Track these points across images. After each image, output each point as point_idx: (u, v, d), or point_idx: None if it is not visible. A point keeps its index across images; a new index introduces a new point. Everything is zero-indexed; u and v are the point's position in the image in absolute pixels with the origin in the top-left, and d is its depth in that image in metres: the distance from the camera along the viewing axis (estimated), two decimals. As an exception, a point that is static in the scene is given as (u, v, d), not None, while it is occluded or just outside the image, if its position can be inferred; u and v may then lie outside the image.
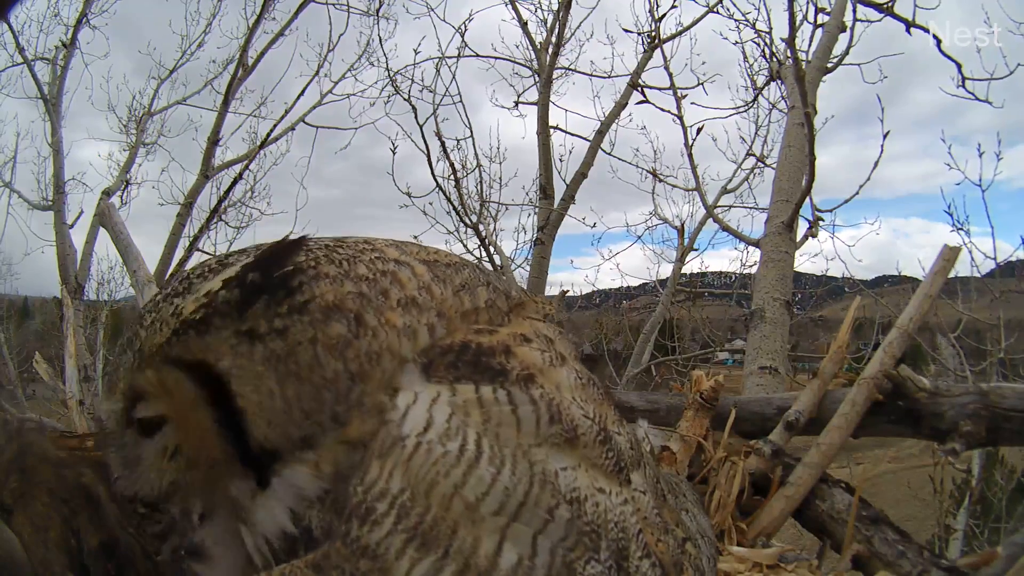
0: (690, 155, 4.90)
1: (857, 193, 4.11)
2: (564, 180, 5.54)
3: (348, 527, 0.63)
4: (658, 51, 5.40)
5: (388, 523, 0.63)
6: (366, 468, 0.65)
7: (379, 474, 0.64)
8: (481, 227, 5.67)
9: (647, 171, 6.18)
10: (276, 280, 0.68)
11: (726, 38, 5.54)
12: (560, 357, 0.79)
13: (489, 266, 5.35)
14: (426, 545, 0.62)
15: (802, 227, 3.51)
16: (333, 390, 0.67)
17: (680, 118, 5.06)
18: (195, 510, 0.75)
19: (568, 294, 5.11)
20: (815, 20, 3.95)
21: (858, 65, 4.39)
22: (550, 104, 5.48)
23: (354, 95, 7.30)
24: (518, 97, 5.89)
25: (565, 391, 0.76)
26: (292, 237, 0.73)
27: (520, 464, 0.67)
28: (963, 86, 4.23)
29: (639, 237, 6.80)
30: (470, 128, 5.72)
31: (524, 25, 5.78)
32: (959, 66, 4.18)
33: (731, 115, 5.85)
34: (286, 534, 0.68)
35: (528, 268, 5.47)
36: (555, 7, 5.74)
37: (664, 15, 5.46)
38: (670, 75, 5.18)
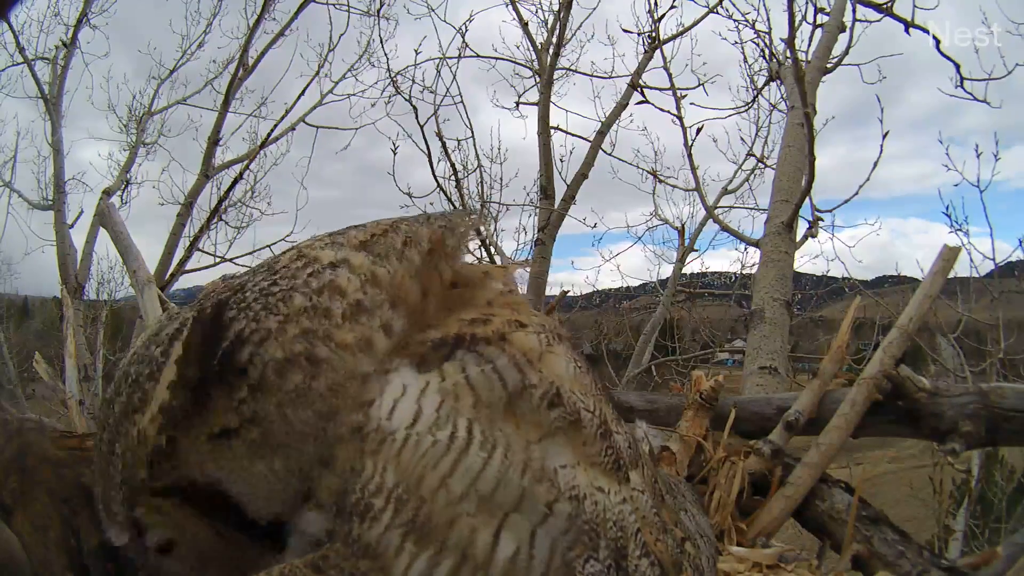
0: (690, 156, 4.91)
1: (856, 193, 4.11)
2: (565, 180, 5.54)
3: (349, 526, 0.64)
4: (658, 52, 5.40)
5: (386, 518, 0.63)
6: (362, 465, 0.65)
7: (374, 471, 0.65)
8: (482, 227, 5.66)
9: (647, 172, 6.19)
10: (222, 366, 0.65)
11: (726, 39, 5.56)
12: (557, 339, 0.79)
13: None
14: (423, 539, 0.63)
15: (802, 227, 3.51)
16: (311, 438, 0.67)
17: (680, 118, 5.06)
18: None
19: (568, 294, 5.11)
20: (815, 20, 3.96)
21: (857, 66, 4.39)
22: (551, 105, 5.48)
23: (354, 95, 7.31)
24: (519, 98, 5.89)
25: (565, 380, 0.75)
26: (214, 298, 0.69)
27: (515, 450, 0.67)
28: (961, 86, 4.23)
29: (639, 238, 6.81)
30: (471, 128, 5.73)
31: (525, 26, 5.78)
32: (958, 66, 4.18)
33: (731, 115, 5.86)
34: None
35: (529, 268, 5.47)
36: (556, 8, 5.75)
37: (664, 16, 5.47)
38: (670, 76, 5.18)
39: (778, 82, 4.84)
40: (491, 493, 0.65)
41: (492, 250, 5.61)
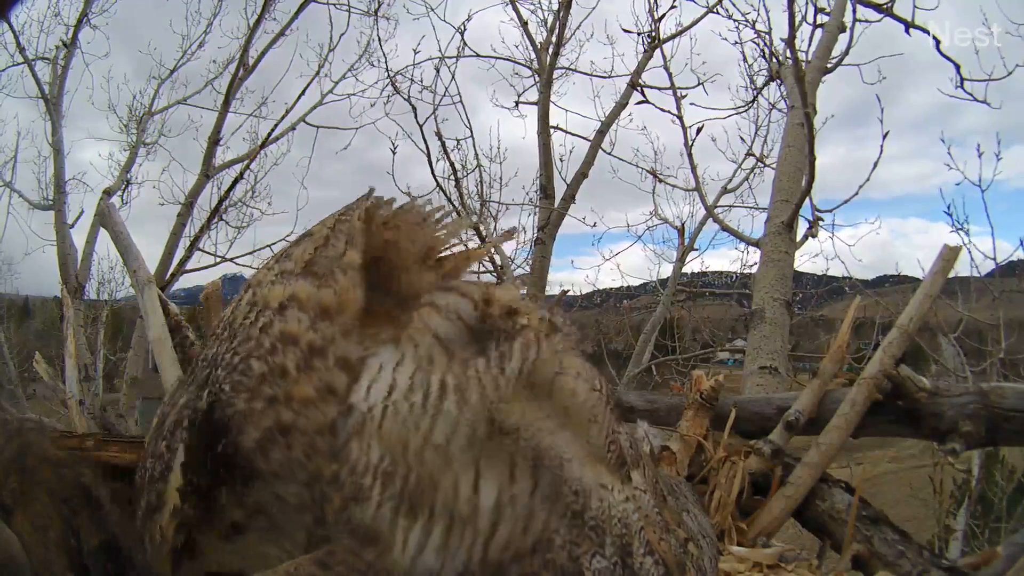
0: (690, 155, 4.91)
1: (856, 193, 4.12)
2: (564, 180, 5.54)
3: (348, 512, 0.65)
4: (658, 51, 5.41)
5: (375, 495, 0.65)
6: (348, 452, 0.66)
7: (359, 451, 0.66)
8: (481, 227, 5.67)
9: (647, 171, 6.18)
10: (218, 466, 0.69)
11: (726, 38, 5.55)
12: (536, 299, 0.82)
13: (490, 266, 5.35)
14: (413, 509, 0.64)
15: (802, 227, 3.51)
16: (306, 509, 0.70)
17: (680, 118, 5.07)
18: None
19: (568, 294, 5.11)
20: (815, 20, 3.96)
21: (857, 66, 4.39)
22: (550, 104, 5.48)
23: (354, 95, 7.30)
24: (518, 97, 5.89)
25: (519, 302, 0.78)
26: (205, 404, 0.71)
27: (488, 387, 0.69)
28: (962, 87, 4.23)
29: (639, 237, 6.80)
30: (470, 128, 5.73)
31: (524, 25, 5.78)
32: (958, 67, 4.18)
33: (731, 115, 5.85)
34: None
35: (529, 268, 5.47)
36: (555, 7, 5.74)
37: (664, 15, 5.47)
38: (670, 75, 5.19)
39: (778, 82, 4.84)
40: (468, 438, 0.67)
41: (492, 250, 5.60)
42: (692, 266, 7.18)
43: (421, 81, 5.65)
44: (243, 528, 0.69)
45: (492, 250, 5.54)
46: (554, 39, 5.65)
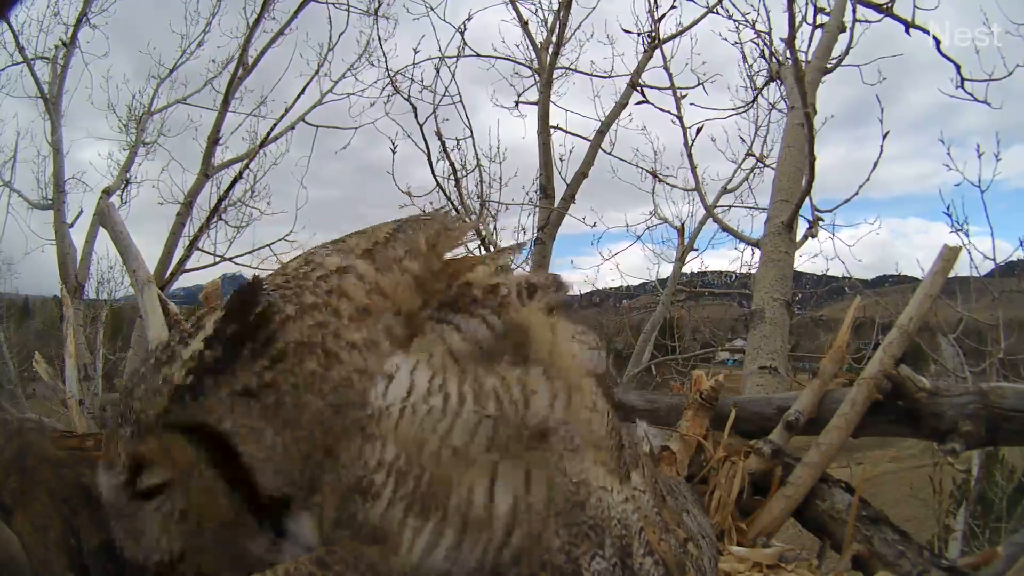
0: (690, 155, 4.92)
1: (856, 193, 4.12)
2: (564, 180, 5.53)
3: (354, 509, 0.65)
4: (658, 51, 5.41)
5: (387, 493, 0.64)
6: (361, 448, 0.66)
7: (373, 448, 0.66)
8: (481, 227, 5.66)
9: (647, 171, 6.18)
10: (252, 329, 0.68)
11: (725, 39, 5.54)
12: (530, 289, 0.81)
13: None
14: (425, 510, 0.64)
15: (802, 227, 3.51)
16: (321, 426, 0.68)
17: (680, 118, 5.07)
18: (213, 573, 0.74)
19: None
20: (815, 20, 3.96)
21: (857, 66, 4.39)
22: (550, 104, 5.48)
23: (354, 95, 7.30)
24: (518, 97, 5.88)
25: (524, 277, 0.80)
26: (248, 281, 0.72)
27: (501, 392, 0.69)
28: (962, 87, 4.23)
29: (639, 237, 6.80)
30: (470, 128, 5.72)
31: (524, 25, 5.77)
32: (958, 67, 4.18)
33: (731, 115, 5.85)
34: None
35: (528, 268, 5.47)
36: (555, 7, 5.74)
37: (664, 15, 5.47)
38: (670, 75, 5.19)
39: (778, 82, 4.84)
40: (487, 446, 0.67)
41: (492, 249, 5.61)
42: (692, 266, 7.19)
43: (422, 81, 5.65)
44: (251, 395, 0.67)
45: (492, 249, 5.56)
46: (554, 39, 5.65)
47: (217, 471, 0.68)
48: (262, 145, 7.35)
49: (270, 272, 0.79)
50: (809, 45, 3.95)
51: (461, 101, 5.60)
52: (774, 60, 4.77)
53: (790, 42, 3.03)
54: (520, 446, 0.68)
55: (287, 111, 7.38)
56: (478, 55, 5.96)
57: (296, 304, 0.71)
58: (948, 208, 4.99)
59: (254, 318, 0.68)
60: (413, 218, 0.87)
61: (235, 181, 7.25)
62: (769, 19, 4.89)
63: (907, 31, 3.96)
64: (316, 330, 0.70)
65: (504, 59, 5.99)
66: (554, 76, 5.64)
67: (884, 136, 3.47)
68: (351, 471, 0.66)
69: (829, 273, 6.37)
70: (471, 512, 0.65)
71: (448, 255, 0.83)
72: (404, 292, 0.77)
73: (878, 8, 3.92)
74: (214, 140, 7.25)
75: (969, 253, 4.91)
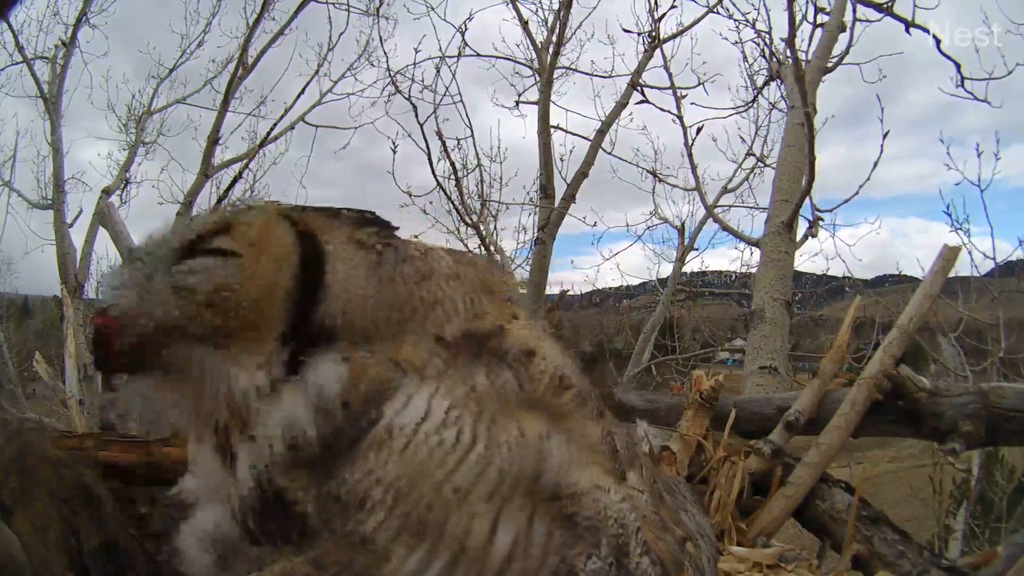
0: (690, 155, 4.92)
1: (857, 193, 4.12)
2: (564, 180, 5.52)
3: (345, 516, 0.64)
4: (658, 51, 5.40)
5: (382, 511, 0.64)
6: (363, 457, 0.66)
7: (375, 463, 0.65)
8: (481, 226, 5.66)
9: (647, 171, 6.18)
10: (383, 222, 0.80)
11: (726, 38, 5.55)
12: (546, 332, 0.85)
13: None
14: (419, 534, 0.63)
15: (802, 227, 3.51)
16: (401, 309, 0.74)
17: (680, 118, 5.08)
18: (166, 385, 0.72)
19: (568, 293, 5.11)
20: (815, 20, 3.96)
21: (858, 65, 4.39)
22: (551, 104, 5.47)
23: (354, 95, 7.30)
24: (519, 97, 5.88)
25: (566, 364, 0.80)
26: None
27: (518, 449, 0.69)
28: (962, 86, 4.23)
29: (639, 236, 6.80)
30: (471, 128, 5.72)
31: (525, 24, 5.76)
32: (958, 66, 4.18)
33: (731, 115, 5.85)
34: (294, 448, 0.67)
35: (528, 268, 5.47)
36: (556, 7, 5.73)
37: (664, 15, 5.46)
38: (670, 75, 5.19)
39: (778, 82, 4.84)
40: (491, 492, 0.66)
41: (492, 249, 5.61)
42: (692, 266, 7.19)
43: (422, 80, 5.65)
44: (360, 247, 0.76)
45: (493, 250, 5.56)
46: (554, 38, 5.64)
47: (293, 272, 0.72)
48: (262, 145, 7.35)
49: None
50: (809, 44, 3.95)
51: (462, 101, 5.59)
52: (774, 59, 4.77)
53: (790, 41, 3.03)
54: (528, 500, 0.68)
55: (287, 111, 7.39)
56: (478, 55, 5.95)
57: (405, 242, 0.80)
58: (948, 208, 5.00)
59: (384, 222, 0.80)
60: (474, 256, 0.95)
61: (235, 181, 7.24)
62: (769, 18, 4.89)
63: (907, 30, 3.96)
64: (420, 260, 0.78)
65: (504, 59, 5.99)
66: (554, 76, 5.64)
67: (884, 136, 3.48)
68: (349, 475, 0.65)
69: (829, 273, 6.39)
70: (468, 543, 0.64)
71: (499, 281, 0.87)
72: (473, 285, 0.82)
73: (878, 7, 3.92)
74: (214, 140, 7.24)
75: (969, 253, 4.92)
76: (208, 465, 0.72)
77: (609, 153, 5.76)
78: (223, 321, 0.69)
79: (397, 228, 0.81)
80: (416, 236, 0.92)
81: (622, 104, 5.68)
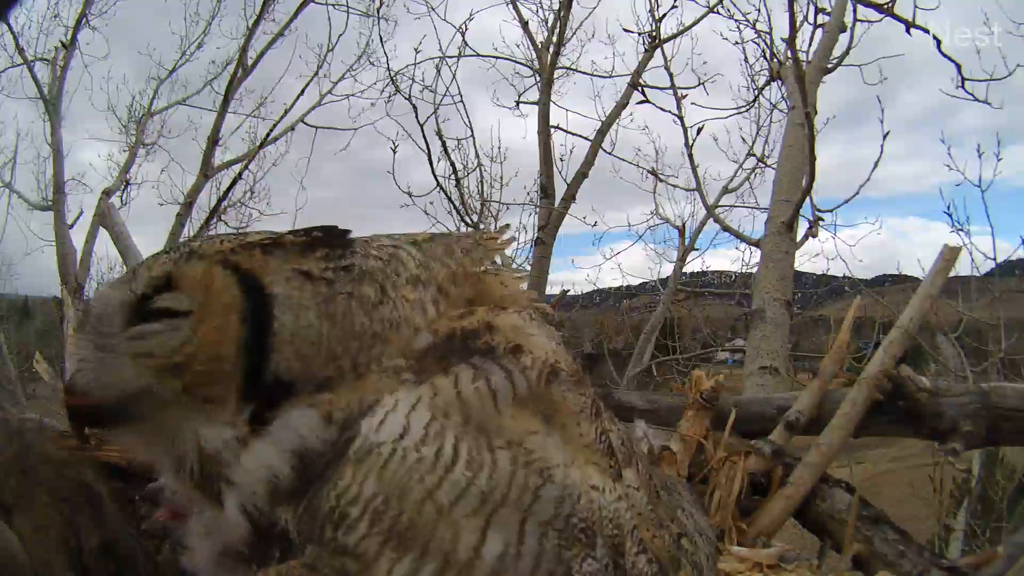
0: (690, 155, 4.92)
1: (857, 193, 4.12)
2: (565, 180, 5.53)
3: (323, 532, 0.64)
4: (658, 51, 5.41)
5: (362, 527, 0.63)
6: (340, 474, 0.65)
7: (352, 480, 0.64)
8: (482, 226, 5.67)
9: (648, 171, 6.18)
10: (335, 238, 0.76)
11: (726, 38, 5.55)
12: (536, 318, 0.83)
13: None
14: (403, 545, 0.62)
15: (802, 227, 3.51)
16: (359, 342, 0.71)
17: (680, 118, 5.07)
18: (137, 449, 0.75)
19: (568, 293, 5.11)
20: (815, 20, 3.96)
21: (859, 66, 4.39)
22: (551, 104, 5.48)
23: (354, 95, 7.31)
24: (519, 97, 5.89)
25: (555, 354, 0.79)
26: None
27: (504, 459, 0.68)
28: (963, 86, 4.23)
29: (640, 236, 6.80)
30: (471, 128, 5.73)
31: (525, 25, 5.77)
32: (959, 67, 4.18)
33: (731, 115, 5.85)
34: (274, 487, 0.67)
35: (529, 268, 5.47)
36: (556, 7, 5.74)
37: (664, 15, 5.47)
38: (670, 75, 5.19)
39: (779, 82, 4.84)
40: (474, 509, 0.65)
41: (496, 248, 5.59)
42: (693, 266, 7.19)
43: (423, 80, 5.65)
44: (308, 279, 0.72)
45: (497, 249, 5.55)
46: (555, 39, 5.65)
47: (243, 322, 0.69)
48: (262, 146, 7.36)
49: None
50: (810, 45, 3.96)
51: (462, 101, 5.60)
52: (775, 60, 4.77)
53: (791, 42, 3.03)
54: (518, 506, 0.66)
55: (286, 112, 7.41)
56: (479, 55, 5.97)
57: (365, 250, 0.77)
58: (948, 208, 5.00)
59: (337, 237, 0.76)
60: (447, 232, 0.92)
61: (235, 182, 7.26)
62: (770, 19, 4.90)
63: (908, 31, 3.96)
64: (380, 271, 0.76)
65: (505, 59, 6.01)
66: (555, 76, 5.65)
67: (884, 136, 3.49)
68: (325, 493, 0.65)
69: (829, 273, 6.38)
70: (454, 554, 0.63)
71: (480, 268, 0.85)
72: (444, 279, 0.80)
73: (879, 8, 3.92)
74: (214, 141, 7.25)
75: (970, 253, 4.92)
76: (198, 505, 0.74)
77: (609, 153, 5.77)
78: (183, 381, 0.70)
79: (350, 240, 0.77)
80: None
81: (622, 104, 5.69)
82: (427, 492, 0.64)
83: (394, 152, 5.66)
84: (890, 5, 3.89)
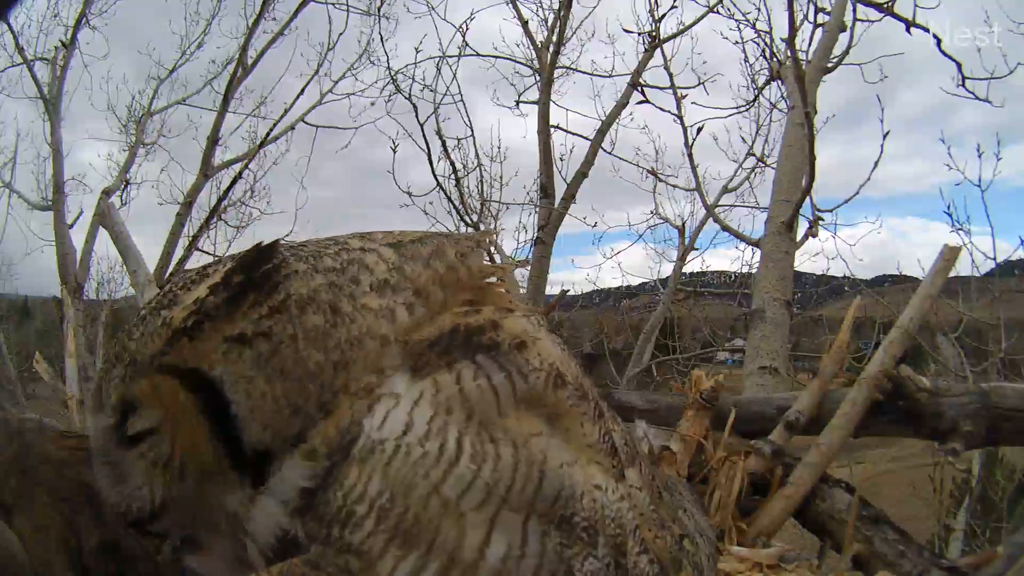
0: (690, 155, 4.92)
1: (857, 193, 4.13)
2: (565, 179, 5.53)
3: (330, 531, 0.64)
4: (658, 50, 5.41)
5: (368, 525, 0.63)
6: (345, 473, 0.65)
7: (357, 478, 0.64)
8: (482, 226, 5.67)
9: (647, 171, 6.18)
10: (257, 280, 0.68)
11: (726, 38, 5.55)
12: (544, 325, 0.81)
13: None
14: (408, 543, 0.63)
15: (802, 227, 3.51)
16: (318, 382, 0.68)
17: (680, 118, 5.07)
18: (189, 527, 0.75)
19: (568, 293, 5.11)
20: (815, 20, 3.96)
21: (859, 65, 4.39)
22: (551, 103, 5.48)
23: (354, 95, 7.31)
24: (519, 96, 5.89)
25: (561, 360, 0.77)
26: (268, 241, 0.73)
27: (508, 455, 0.67)
28: (963, 86, 4.23)
29: (640, 236, 6.80)
30: (471, 127, 5.73)
31: (525, 24, 5.77)
32: (959, 65, 4.18)
33: (731, 115, 5.85)
34: (282, 535, 0.68)
35: (529, 267, 5.47)
36: (556, 6, 5.74)
37: (664, 15, 5.47)
38: (670, 75, 5.19)
39: (779, 82, 4.84)
40: (479, 503, 0.65)
41: (492, 249, 5.61)
42: (693, 266, 7.19)
43: (423, 80, 5.65)
44: (244, 342, 0.67)
45: (493, 250, 5.55)
46: (555, 38, 5.65)
47: (205, 418, 0.68)
48: (262, 145, 7.37)
49: (293, 241, 0.79)
50: (809, 44, 3.96)
51: (462, 101, 5.60)
52: (775, 60, 4.77)
53: (790, 41, 3.03)
54: (522, 505, 0.66)
55: (287, 111, 7.42)
56: (479, 54, 5.97)
57: (309, 265, 0.71)
58: (948, 208, 5.00)
59: (263, 271, 0.68)
60: (442, 232, 0.88)
61: (235, 181, 7.27)
62: (770, 18, 4.90)
63: (908, 30, 3.96)
64: (328, 289, 0.70)
65: (505, 58, 6.01)
66: (555, 75, 5.65)
67: (884, 136, 3.49)
68: (331, 493, 0.65)
69: (829, 273, 6.38)
70: (459, 552, 0.63)
71: (477, 270, 0.82)
72: (427, 283, 0.76)
73: (879, 7, 3.92)
74: (214, 140, 7.26)
75: (970, 253, 4.92)
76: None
77: (609, 153, 5.77)
78: (181, 481, 0.71)
79: (278, 267, 0.69)
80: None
81: (622, 104, 5.69)
82: (432, 487, 0.64)
83: (394, 152, 5.66)
84: (890, 4, 3.89)
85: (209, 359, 0.67)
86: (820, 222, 3.58)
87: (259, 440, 0.68)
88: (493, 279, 0.85)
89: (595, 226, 6.58)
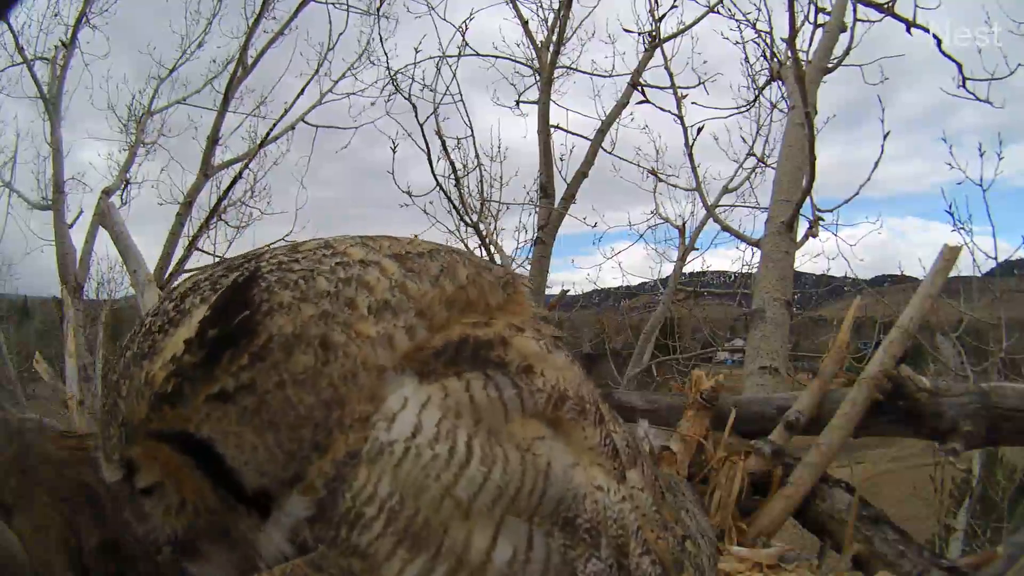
0: (690, 155, 4.92)
1: (857, 193, 4.13)
2: (565, 179, 5.54)
3: (338, 533, 0.64)
4: (659, 50, 5.41)
5: (377, 527, 0.63)
6: (355, 475, 0.65)
7: (367, 480, 0.64)
8: (481, 226, 5.67)
9: (648, 171, 6.18)
10: (233, 333, 0.65)
11: (727, 38, 5.55)
12: (555, 344, 0.80)
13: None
14: (417, 546, 0.63)
15: (802, 227, 3.51)
16: (311, 424, 0.66)
17: (680, 118, 5.07)
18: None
19: (568, 293, 5.12)
20: (815, 20, 3.96)
21: (859, 66, 4.39)
22: (551, 103, 5.48)
23: (354, 94, 7.31)
24: (519, 96, 5.89)
25: (568, 377, 0.77)
26: (244, 273, 0.69)
27: (515, 459, 0.68)
28: (963, 86, 4.23)
29: (640, 236, 6.79)
30: (471, 127, 5.73)
31: (525, 24, 5.77)
32: (959, 66, 4.18)
33: (732, 115, 5.86)
34: (287, 558, 0.68)
35: (529, 267, 5.47)
36: (556, 6, 5.75)
37: (664, 15, 5.47)
38: (670, 75, 5.19)
39: (779, 82, 4.84)
40: (490, 505, 0.65)
41: (492, 249, 5.61)
42: (693, 266, 7.19)
43: (423, 80, 5.65)
44: (227, 398, 0.64)
45: (493, 250, 5.56)
46: (555, 38, 5.66)
47: (203, 472, 0.68)
48: (262, 145, 7.36)
49: (282, 246, 0.76)
50: (810, 45, 3.96)
51: (462, 100, 5.60)
52: (775, 60, 4.77)
53: (791, 42, 3.03)
54: (527, 508, 0.67)
55: (287, 111, 7.42)
56: (479, 54, 5.97)
57: (297, 292, 0.67)
58: (950, 207, 4.99)
59: (239, 321, 0.65)
60: (456, 248, 0.85)
61: (235, 181, 7.27)
62: (770, 18, 4.90)
63: (908, 31, 3.96)
64: (319, 322, 0.66)
65: (505, 58, 6.01)
66: (555, 75, 5.65)
67: (885, 136, 3.49)
68: (341, 494, 0.65)
69: (829, 273, 6.38)
70: (467, 556, 0.63)
71: (489, 292, 0.81)
72: (432, 303, 0.73)
73: (879, 8, 3.92)
74: (214, 140, 7.26)
75: (971, 252, 4.92)
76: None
77: (610, 153, 5.78)
78: (197, 517, 0.71)
79: (252, 316, 0.65)
80: (415, 236, 0.88)
81: (622, 104, 5.69)
82: (444, 489, 0.64)
83: (394, 151, 5.66)
84: (890, 5, 3.89)
85: (194, 421, 0.65)
86: (820, 222, 3.58)
87: (258, 484, 0.67)
88: (504, 298, 0.83)
89: (595, 226, 6.59)
